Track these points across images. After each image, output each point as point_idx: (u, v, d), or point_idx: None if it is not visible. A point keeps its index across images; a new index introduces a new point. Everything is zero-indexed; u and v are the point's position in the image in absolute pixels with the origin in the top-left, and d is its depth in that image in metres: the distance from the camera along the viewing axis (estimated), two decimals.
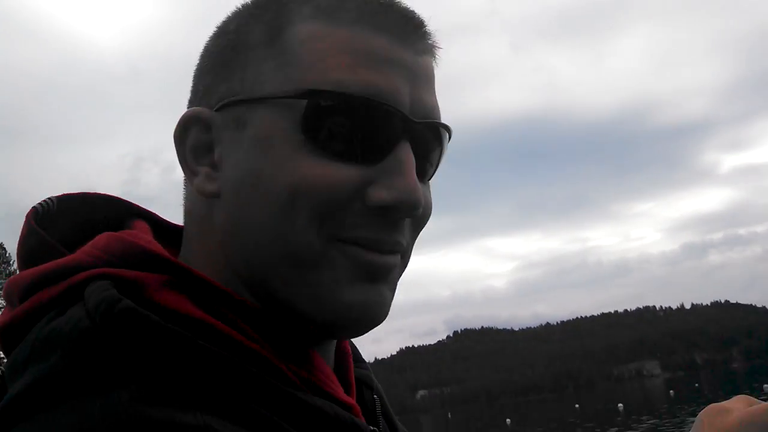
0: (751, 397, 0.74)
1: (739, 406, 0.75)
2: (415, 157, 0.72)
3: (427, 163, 0.77)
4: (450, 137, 0.80)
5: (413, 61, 0.74)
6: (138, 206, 0.84)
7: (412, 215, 0.72)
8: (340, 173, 0.68)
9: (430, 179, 0.79)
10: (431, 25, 0.77)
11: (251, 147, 0.71)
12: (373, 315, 0.71)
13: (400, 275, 0.77)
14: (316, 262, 0.69)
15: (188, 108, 0.79)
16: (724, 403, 0.76)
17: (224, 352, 0.62)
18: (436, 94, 0.78)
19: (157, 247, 0.71)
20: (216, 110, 0.74)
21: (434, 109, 0.76)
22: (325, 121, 0.68)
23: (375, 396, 0.88)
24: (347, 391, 0.78)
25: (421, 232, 0.80)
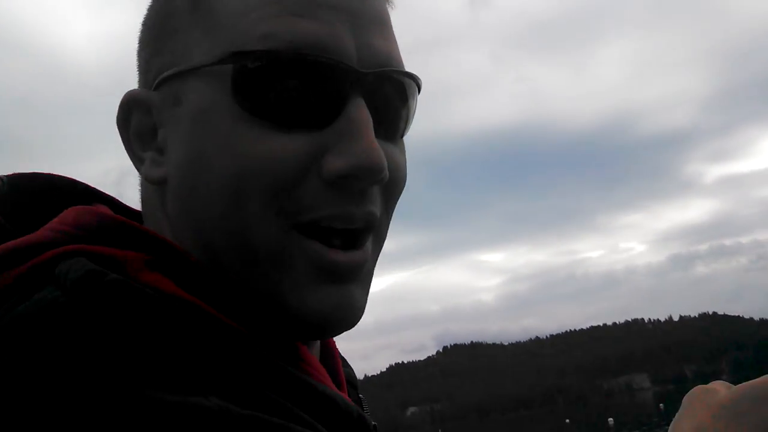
0: (726, 382, 0.73)
1: (720, 387, 0.73)
2: (374, 113, 0.63)
3: (392, 119, 0.68)
4: (419, 87, 0.70)
5: (356, 3, 0.64)
6: (97, 189, 0.76)
7: (375, 181, 0.63)
8: (287, 145, 0.60)
9: (402, 136, 0.70)
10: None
11: (189, 125, 0.63)
12: (342, 319, 0.63)
13: (376, 260, 0.69)
14: (275, 259, 0.62)
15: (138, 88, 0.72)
16: (706, 385, 0.74)
17: (230, 333, 0.57)
18: (396, 40, 0.68)
19: (134, 222, 0.64)
20: (154, 89, 0.67)
21: (390, 57, 0.66)
22: (256, 85, 0.60)
23: (360, 396, 0.83)
24: (338, 388, 0.72)
25: (398, 201, 0.70)
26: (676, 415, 0.71)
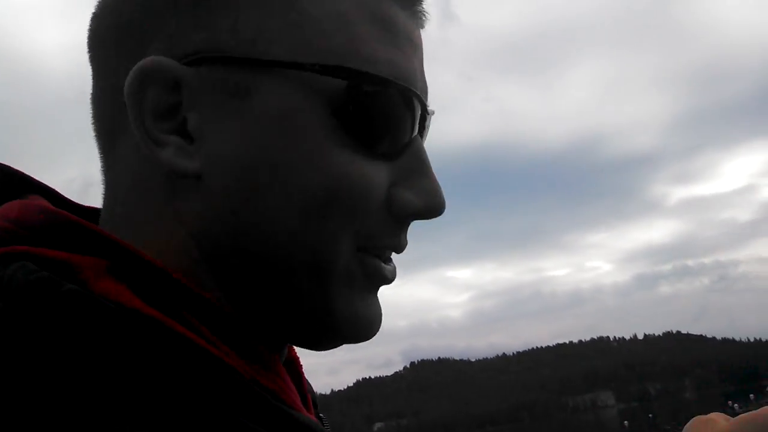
0: (725, 414, 0.73)
1: (720, 418, 0.71)
2: None
3: None
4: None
5: (418, 36, 0.62)
6: (32, 177, 0.63)
7: (431, 219, 0.63)
8: (374, 173, 0.57)
9: None
10: None
11: (263, 125, 0.55)
12: (375, 328, 0.63)
13: None
14: (338, 274, 0.58)
15: (95, 49, 0.61)
16: (706, 416, 0.72)
17: (205, 359, 0.49)
18: None
19: (89, 223, 0.54)
20: (186, 64, 0.56)
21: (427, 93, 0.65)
22: (364, 108, 0.56)
23: (321, 415, 0.76)
24: (304, 405, 0.66)
25: None
26: None
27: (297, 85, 0.55)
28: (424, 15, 0.63)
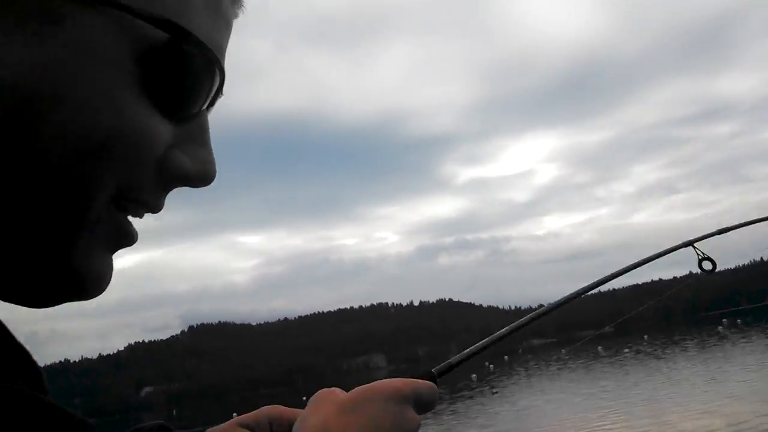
0: (342, 390, 0.82)
1: (340, 392, 0.80)
2: None
3: None
4: None
5: (232, 23, 0.65)
6: None
7: (195, 188, 0.63)
8: (160, 129, 0.56)
9: None
10: None
11: (64, 54, 0.50)
12: (104, 286, 0.59)
13: None
14: (88, 219, 0.54)
15: None
16: (329, 389, 0.82)
17: None
18: None
19: None
20: None
21: None
22: (176, 66, 0.56)
23: None
24: None
25: None
26: (304, 411, 0.80)
27: (116, 26, 0.53)
28: (243, 6, 0.66)
